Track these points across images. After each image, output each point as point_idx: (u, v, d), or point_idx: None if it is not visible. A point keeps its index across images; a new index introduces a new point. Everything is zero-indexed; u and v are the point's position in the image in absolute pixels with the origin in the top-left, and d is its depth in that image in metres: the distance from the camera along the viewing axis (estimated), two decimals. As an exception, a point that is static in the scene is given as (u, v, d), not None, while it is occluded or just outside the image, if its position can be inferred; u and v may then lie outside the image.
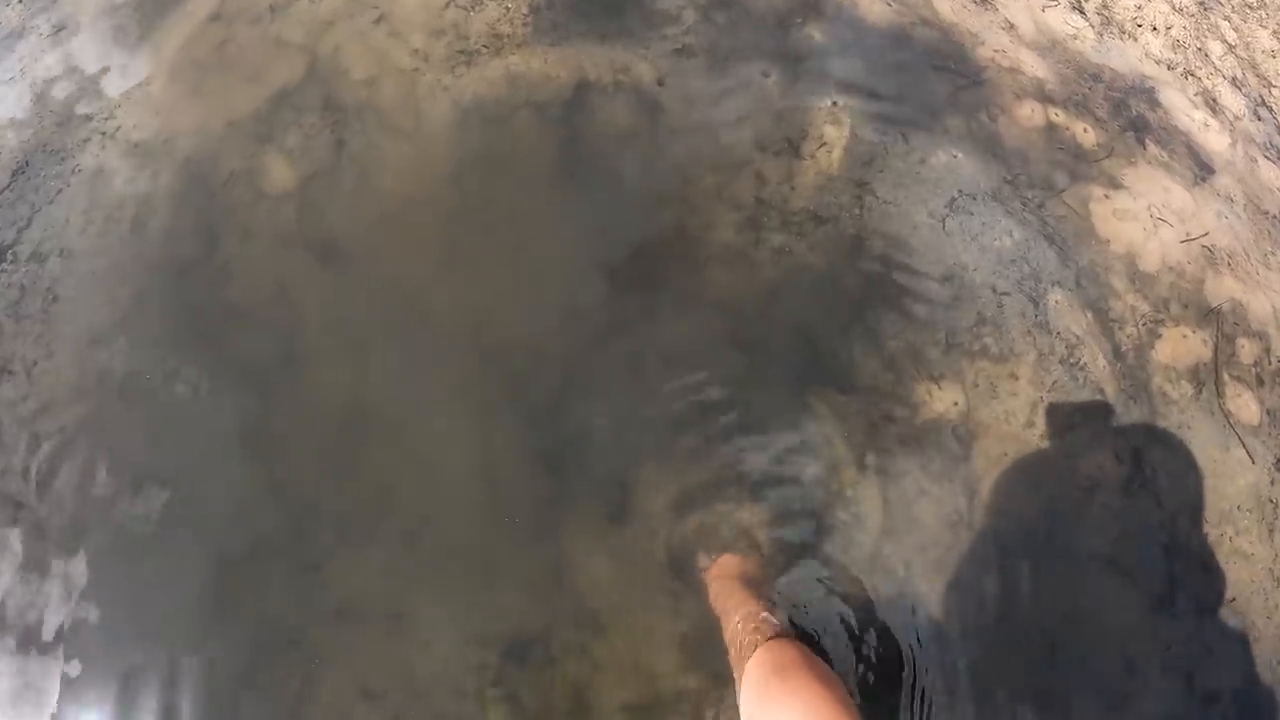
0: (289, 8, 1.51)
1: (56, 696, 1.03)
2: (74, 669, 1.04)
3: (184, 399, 1.19)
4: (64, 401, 1.19)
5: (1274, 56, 2.08)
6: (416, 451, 1.17)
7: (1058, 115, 1.55)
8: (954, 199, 1.35)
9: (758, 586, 1.06)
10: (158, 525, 1.11)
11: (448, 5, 1.49)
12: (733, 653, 0.95)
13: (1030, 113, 1.53)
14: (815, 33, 1.48)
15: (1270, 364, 1.51)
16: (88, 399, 1.19)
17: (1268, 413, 1.45)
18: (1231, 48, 2.02)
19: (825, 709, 0.74)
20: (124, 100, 1.43)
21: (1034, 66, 1.62)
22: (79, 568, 1.09)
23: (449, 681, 1.04)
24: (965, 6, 1.67)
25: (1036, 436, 1.22)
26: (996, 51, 1.61)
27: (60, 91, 1.47)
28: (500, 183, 1.32)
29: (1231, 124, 1.82)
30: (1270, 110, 1.95)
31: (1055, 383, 1.26)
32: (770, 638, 0.89)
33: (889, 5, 1.60)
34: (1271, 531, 1.36)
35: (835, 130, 1.36)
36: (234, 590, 1.09)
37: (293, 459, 1.16)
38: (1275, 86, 2.02)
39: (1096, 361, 1.32)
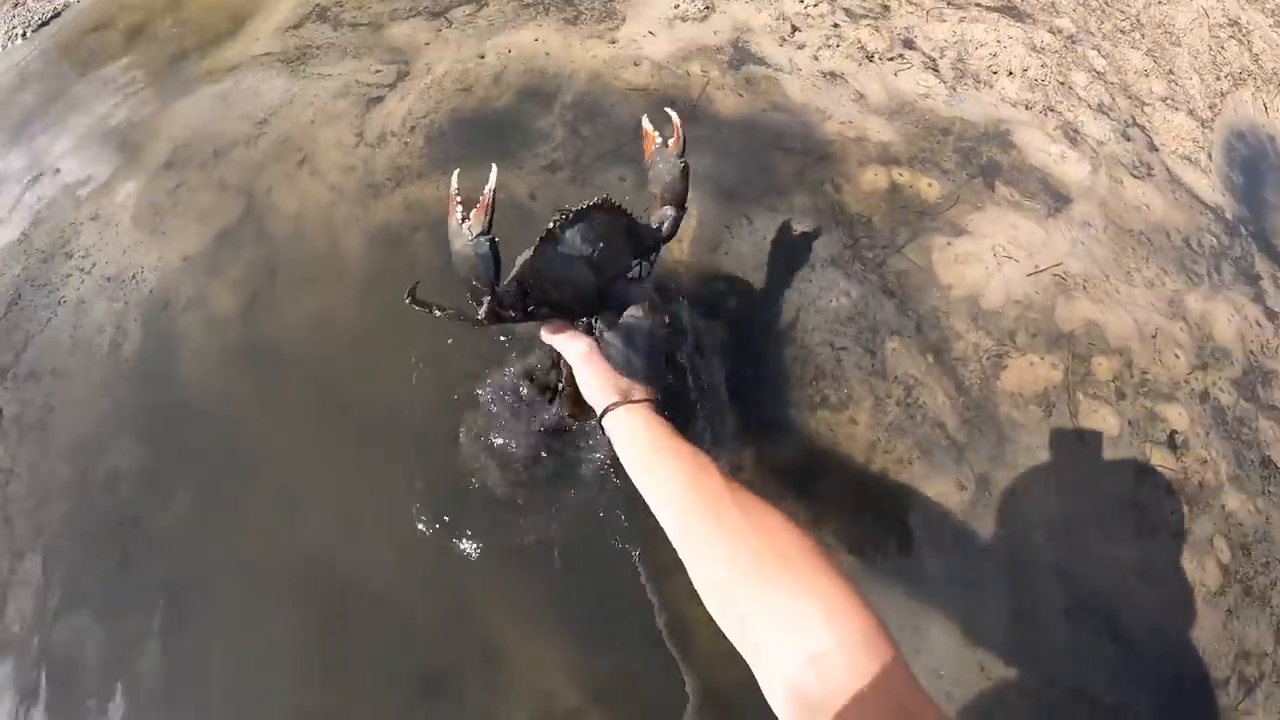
0: (229, 152, 1.79)
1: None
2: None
3: (152, 492, 1.38)
4: (56, 495, 1.39)
5: (1147, 76, 2.20)
6: (336, 521, 1.34)
7: (901, 175, 1.73)
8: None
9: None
10: (136, 590, 1.29)
11: (357, 144, 1.77)
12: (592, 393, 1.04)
13: (874, 177, 1.71)
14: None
15: (1132, 377, 1.62)
16: (74, 493, 1.40)
17: (1128, 423, 1.55)
18: (1100, 74, 2.14)
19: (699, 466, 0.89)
20: (98, 239, 1.68)
21: (880, 131, 1.80)
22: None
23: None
24: (815, 85, 1.87)
25: (874, 474, 1.38)
26: (843, 124, 1.80)
27: (43, 232, 1.72)
28: (402, 292, 1.56)
29: (1094, 150, 1.95)
30: (1141, 129, 2.06)
31: (892, 423, 1.42)
32: (638, 400, 1.00)
33: (740, 96, 1.81)
34: (1137, 535, 1.46)
35: (684, 222, 1.56)
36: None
37: (236, 536, 1.33)
38: (1148, 105, 2.13)
39: (936, 399, 1.47)
